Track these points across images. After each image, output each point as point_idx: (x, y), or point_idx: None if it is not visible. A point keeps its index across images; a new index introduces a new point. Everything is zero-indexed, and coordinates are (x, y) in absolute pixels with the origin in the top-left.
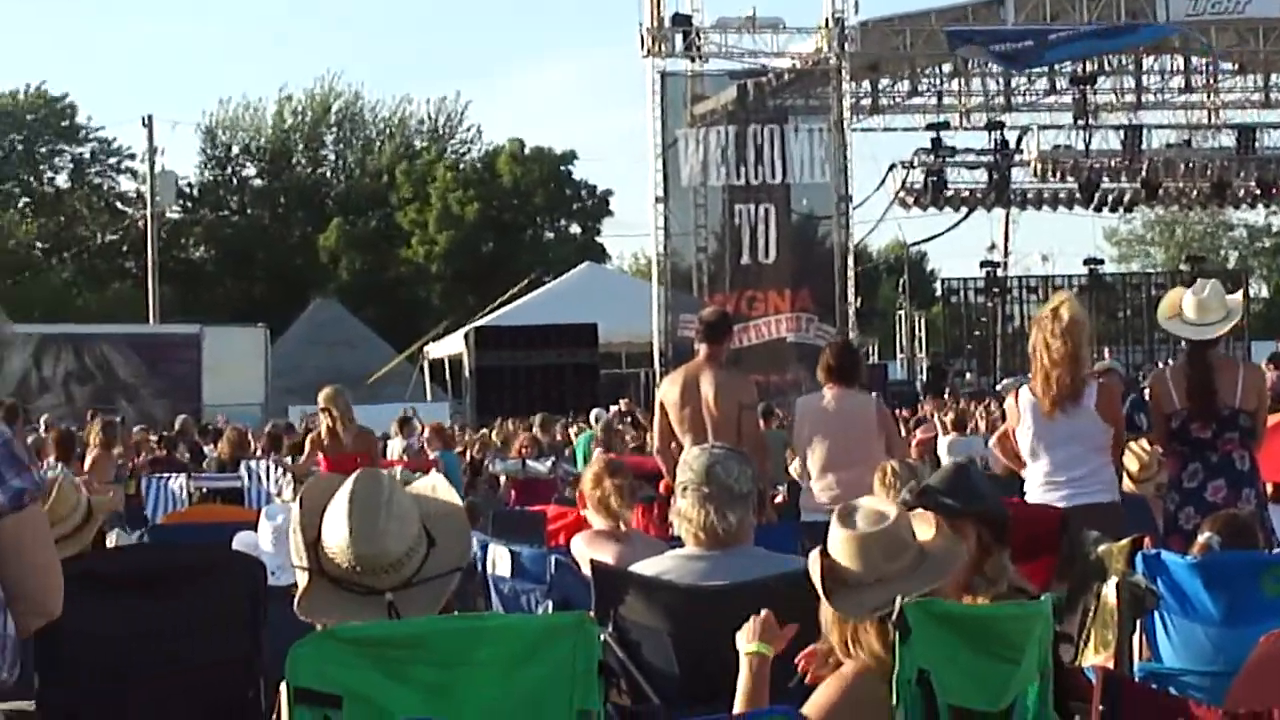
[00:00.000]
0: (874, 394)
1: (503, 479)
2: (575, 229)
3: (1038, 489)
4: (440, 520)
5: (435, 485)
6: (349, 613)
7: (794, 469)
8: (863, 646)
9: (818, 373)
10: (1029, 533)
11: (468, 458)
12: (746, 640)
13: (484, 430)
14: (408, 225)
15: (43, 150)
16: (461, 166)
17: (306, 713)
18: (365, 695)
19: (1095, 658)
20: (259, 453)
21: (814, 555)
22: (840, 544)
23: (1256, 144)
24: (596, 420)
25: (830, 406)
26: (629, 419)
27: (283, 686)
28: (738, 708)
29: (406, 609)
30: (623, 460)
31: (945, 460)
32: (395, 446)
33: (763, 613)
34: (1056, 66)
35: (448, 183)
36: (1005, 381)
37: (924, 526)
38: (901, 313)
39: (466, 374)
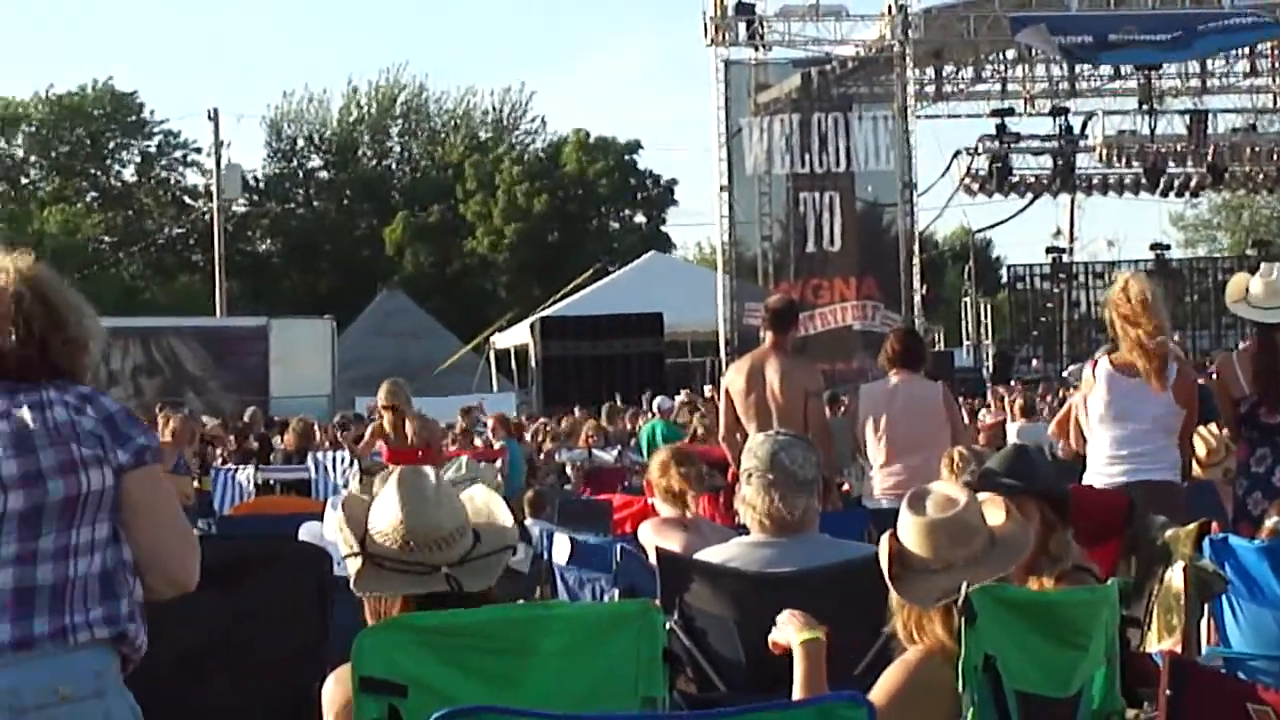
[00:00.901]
0: (939, 381)
1: (569, 468)
2: (640, 218)
3: (1100, 461)
4: (483, 525)
5: (473, 495)
6: (409, 586)
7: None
8: (927, 633)
9: (880, 359)
10: (1095, 517)
11: (536, 447)
12: (797, 631)
13: (545, 420)
14: (472, 217)
15: (110, 145)
16: (526, 157)
17: (372, 701)
18: (431, 684)
19: (1162, 642)
20: (326, 444)
21: (883, 541)
22: (909, 530)
23: None
24: (656, 408)
25: (895, 393)
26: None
27: (328, 681)
28: (798, 695)
29: (465, 581)
30: (691, 448)
31: None
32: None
33: (785, 613)
34: None
35: (514, 175)
36: (1071, 368)
37: (995, 511)
38: (967, 300)
39: (532, 364)
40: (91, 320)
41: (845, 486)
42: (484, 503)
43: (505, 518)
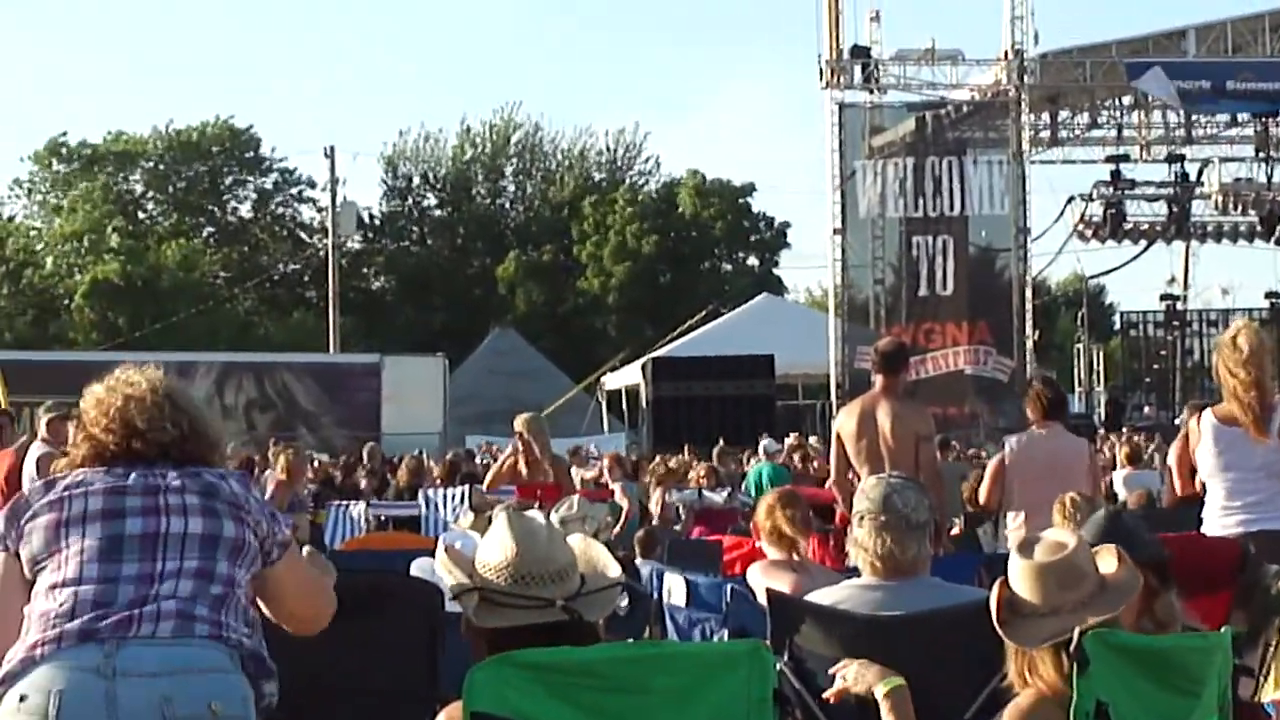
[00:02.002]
0: (1084, 438)
1: (680, 509)
2: (753, 261)
3: (1215, 514)
4: (586, 569)
5: (575, 544)
6: (527, 617)
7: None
8: (1040, 676)
9: (1029, 408)
10: (1207, 565)
11: (651, 489)
12: (877, 680)
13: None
14: (585, 257)
15: (227, 181)
16: (640, 198)
17: None
18: None
19: (1275, 693)
20: (438, 481)
21: (996, 586)
22: (1018, 574)
23: None
24: (765, 451)
25: (1047, 444)
26: (798, 452)
27: (441, 715)
28: None
29: (584, 612)
30: (798, 491)
31: (1121, 493)
32: (575, 476)
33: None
34: None
35: (626, 216)
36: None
37: (1108, 558)
38: (1080, 346)
39: (643, 404)
40: (219, 422)
41: (955, 530)
42: (582, 550)
43: (607, 562)
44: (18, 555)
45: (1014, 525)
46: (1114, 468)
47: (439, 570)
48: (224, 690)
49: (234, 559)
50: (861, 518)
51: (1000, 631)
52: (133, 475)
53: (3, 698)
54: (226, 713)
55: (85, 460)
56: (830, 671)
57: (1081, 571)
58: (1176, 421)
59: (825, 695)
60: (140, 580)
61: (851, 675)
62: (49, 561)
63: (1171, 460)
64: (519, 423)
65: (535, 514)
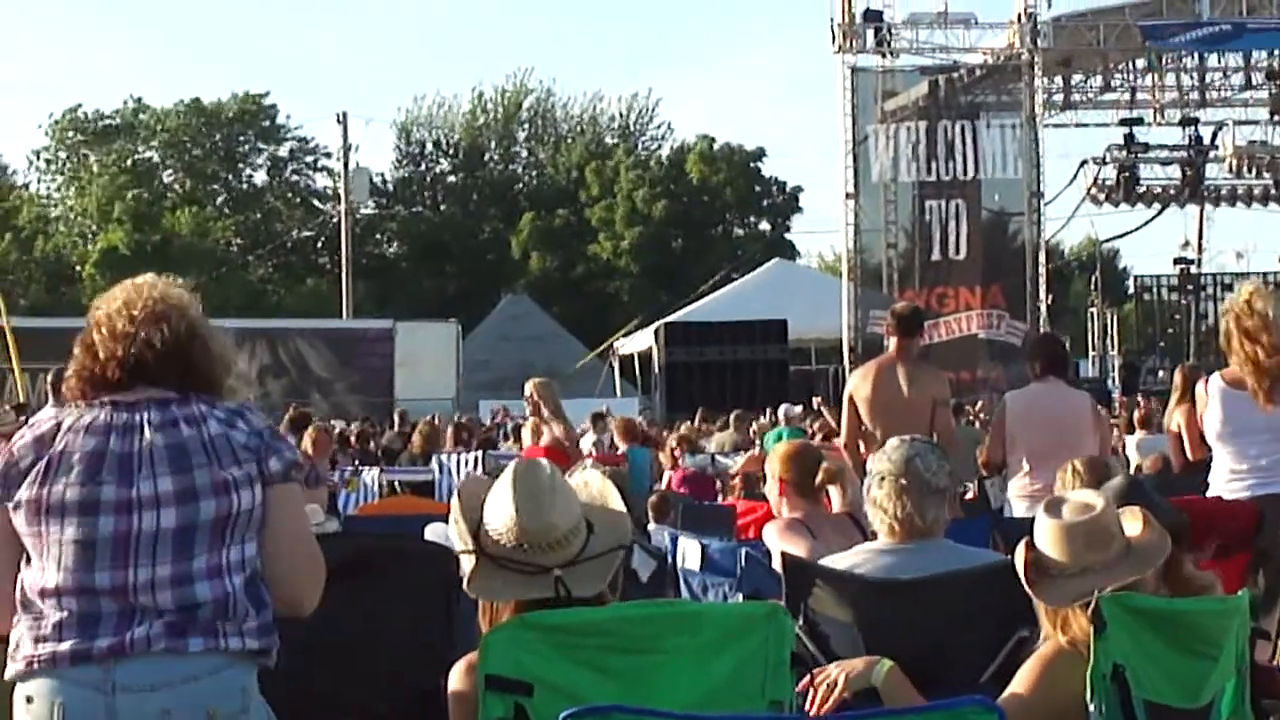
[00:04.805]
0: (1086, 393)
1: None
2: (765, 226)
3: (1222, 478)
4: (597, 511)
5: (588, 480)
6: (517, 590)
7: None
8: (1074, 631)
9: (1028, 365)
10: (1224, 530)
11: (667, 452)
12: (867, 671)
13: (684, 425)
14: (596, 222)
15: (242, 149)
16: (651, 163)
17: (498, 699)
18: (556, 683)
19: None
20: (449, 446)
21: (1020, 546)
22: (1046, 534)
23: None
24: (785, 416)
25: (1045, 399)
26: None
27: (452, 674)
28: None
29: (575, 585)
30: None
31: (1134, 458)
32: (587, 441)
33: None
34: (1253, 62)
35: (633, 180)
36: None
37: (1132, 521)
38: (1093, 310)
39: (656, 370)
40: (231, 346)
41: (969, 494)
42: (599, 489)
43: (618, 505)
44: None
45: (1017, 480)
46: (1129, 431)
47: (450, 527)
48: (220, 691)
49: (218, 542)
50: (882, 479)
51: (1029, 591)
52: (111, 436)
53: (14, 688)
54: (225, 710)
55: (73, 391)
56: (816, 683)
57: (1110, 532)
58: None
59: (815, 708)
60: (116, 593)
61: (842, 680)
62: (32, 543)
63: (1178, 425)
64: (529, 385)
65: (544, 468)
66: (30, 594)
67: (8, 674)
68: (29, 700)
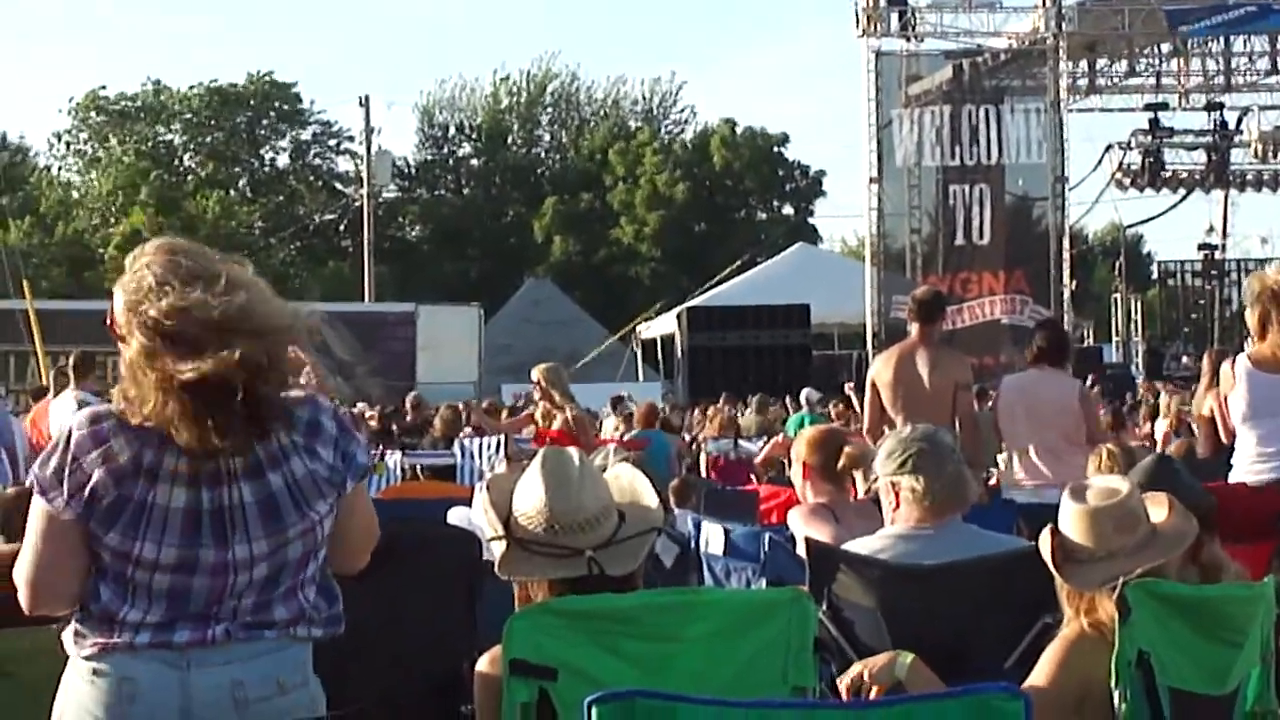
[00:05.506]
0: (1080, 379)
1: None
2: (788, 210)
3: (1247, 460)
4: (628, 504)
5: (618, 474)
6: (548, 570)
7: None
8: (1099, 615)
9: (1026, 352)
10: (1251, 514)
11: (688, 439)
12: (889, 664)
13: (709, 410)
14: (619, 206)
15: (264, 132)
16: (674, 148)
17: (522, 684)
18: (580, 668)
19: None
20: (472, 430)
21: (1045, 531)
22: (1072, 518)
23: None
24: (807, 400)
25: (1033, 386)
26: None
27: (481, 660)
28: None
29: (608, 564)
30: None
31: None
32: (609, 426)
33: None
34: (1279, 46)
35: (656, 164)
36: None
37: (1157, 507)
38: (1117, 295)
39: (678, 355)
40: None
41: (993, 481)
42: (629, 481)
43: (650, 497)
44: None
45: (1002, 468)
46: (1154, 417)
47: (478, 513)
48: (289, 663)
49: (301, 569)
50: (904, 462)
51: (1057, 574)
52: (203, 491)
53: (77, 665)
54: (292, 682)
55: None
56: (842, 686)
57: (1136, 516)
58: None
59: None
60: (200, 618)
61: (866, 676)
62: (113, 575)
63: (1210, 409)
64: (537, 371)
65: (572, 455)
66: (106, 606)
67: (76, 655)
68: (95, 674)
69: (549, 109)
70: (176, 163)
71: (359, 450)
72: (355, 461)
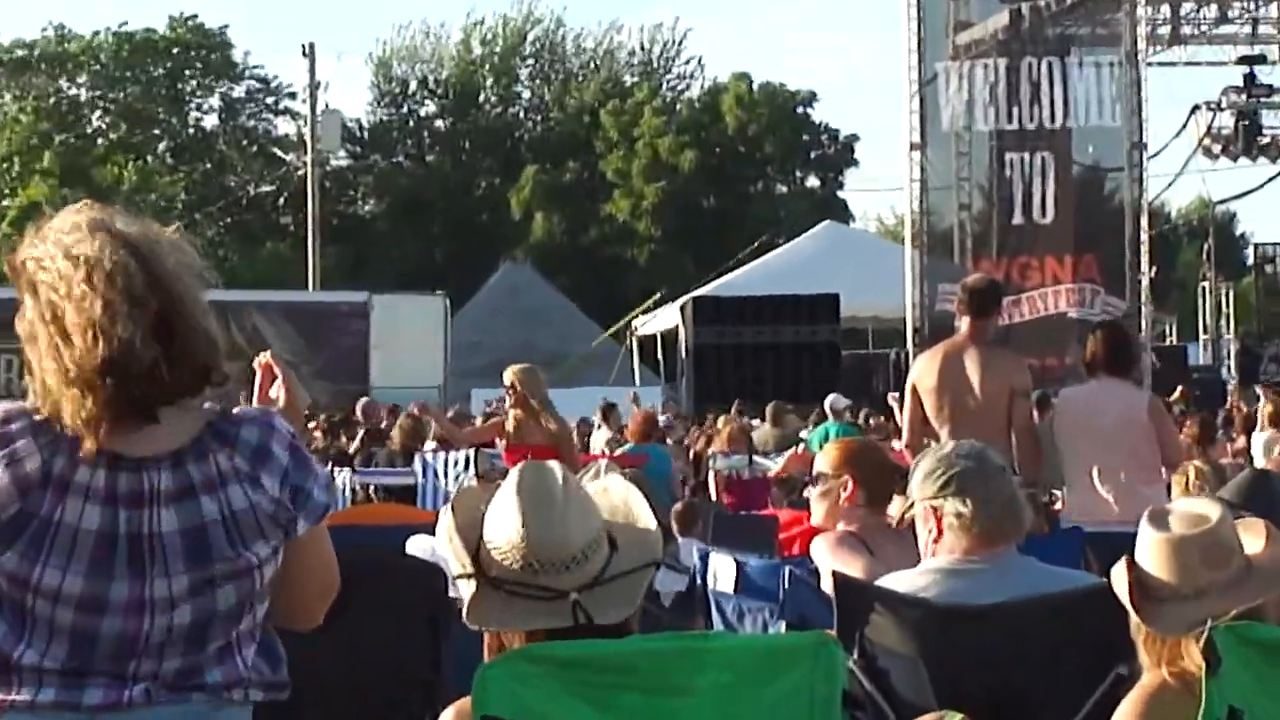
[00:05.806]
0: (1148, 391)
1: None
2: (813, 182)
3: None
4: (620, 525)
5: (608, 486)
6: (526, 619)
7: None
8: (1185, 666)
9: (1083, 361)
10: None
11: (690, 452)
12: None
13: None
14: (613, 176)
15: (188, 87)
16: (677, 107)
17: None
18: None
19: None
20: (435, 444)
21: (1119, 566)
22: (1152, 549)
23: None
24: (832, 409)
25: (1094, 401)
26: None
27: (446, 714)
28: None
29: (596, 610)
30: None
31: (1259, 460)
32: (599, 438)
33: None
34: None
35: (656, 127)
36: None
37: (1253, 537)
38: (1205, 284)
39: (682, 354)
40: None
41: (1058, 505)
42: (622, 497)
43: (647, 518)
44: None
45: (1070, 490)
46: (1249, 430)
47: (441, 542)
48: None
49: (233, 624)
50: (947, 482)
51: (1134, 616)
52: (120, 511)
53: None
54: None
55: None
56: None
57: (1228, 547)
58: None
59: None
60: (114, 676)
61: None
62: (8, 607)
63: None
64: (509, 374)
65: (554, 473)
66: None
67: None
68: None
69: (529, 61)
70: (83, 123)
71: (316, 486)
72: (310, 499)
